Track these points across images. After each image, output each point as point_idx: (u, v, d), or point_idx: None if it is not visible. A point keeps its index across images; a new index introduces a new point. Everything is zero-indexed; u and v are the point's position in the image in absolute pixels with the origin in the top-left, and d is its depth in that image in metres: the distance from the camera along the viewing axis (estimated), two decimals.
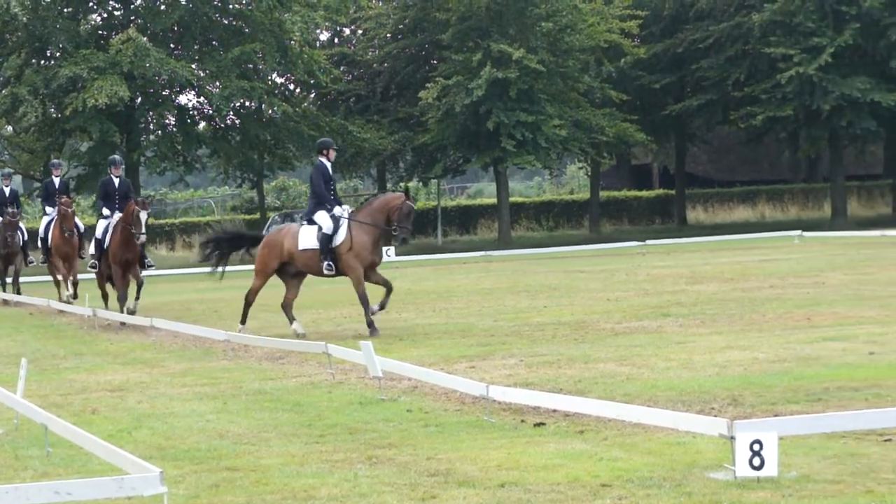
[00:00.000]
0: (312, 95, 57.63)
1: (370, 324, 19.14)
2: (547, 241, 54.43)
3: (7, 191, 31.23)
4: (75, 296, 26.30)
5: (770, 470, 8.17)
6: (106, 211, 24.15)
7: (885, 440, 9.41)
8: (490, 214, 58.99)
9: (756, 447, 8.15)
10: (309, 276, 20.62)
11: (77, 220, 27.50)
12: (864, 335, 15.54)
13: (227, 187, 71.48)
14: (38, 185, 55.09)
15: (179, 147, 50.68)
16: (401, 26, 55.01)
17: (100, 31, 50.10)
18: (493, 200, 59.57)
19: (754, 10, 52.82)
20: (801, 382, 12.16)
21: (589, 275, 30.72)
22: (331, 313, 23.29)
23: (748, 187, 69.56)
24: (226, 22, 51.09)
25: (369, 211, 19.63)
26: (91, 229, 28.14)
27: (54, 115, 49.14)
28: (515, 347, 16.41)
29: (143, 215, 22.87)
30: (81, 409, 12.99)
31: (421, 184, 65.00)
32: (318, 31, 53.87)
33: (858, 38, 51.06)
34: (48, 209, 28.98)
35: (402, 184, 62.30)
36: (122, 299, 23.54)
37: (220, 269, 21.50)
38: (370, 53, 56.85)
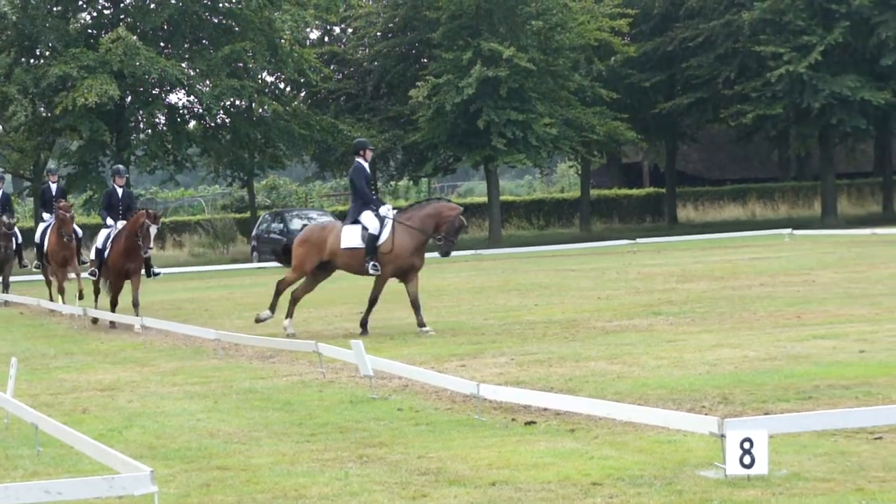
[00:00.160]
0: (303, 94, 57.60)
1: (364, 324, 19.12)
2: (537, 239, 54.46)
3: None
4: (81, 296, 25.97)
5: (760, 468, 8.18)
6: (109, 221, 23.68)
7: (875, 438, 9.42)
8: (481, 213, 59.03)
9: (746, 445, 8.15)
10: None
11: (75, 225, 27.12)
12: (855, 333, 15.56)
13: (217, 186, 71.43)
14: (27, 184, 55.05)
15: (170, 146, 50.64)
16: (391, 25, 55.01)
17: (89, 30, 50.06)
18: (484, 199, 59.58)
19: (744, 9, 52.87)
20: (792, 381, 12.17)
21: (579, 273, 30.74)
22: (322, 312, 23.27)
23: (738, 185, 69.63)
24: (216, 21, 51.06)
25: (420, 216, 19.33)
26: (85, 228, 27.86)
27: (44, 114, 49.11)
28: (506, 346, 16.41)
29: (153, 230, 22.36)
30: (72, 408, 12.97)
31: (411, 182, 65.00)
32: (308, 29, 53.87)
33: (848, 36, 51.14)
34: (45, 215, 28.63)
35: (392, 182, 62.33)
36: (112, 305, 23.38)
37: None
38: (360, 52, 56.84)
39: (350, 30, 57.85)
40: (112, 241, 23.21)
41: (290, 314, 19.60)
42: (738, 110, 53.35)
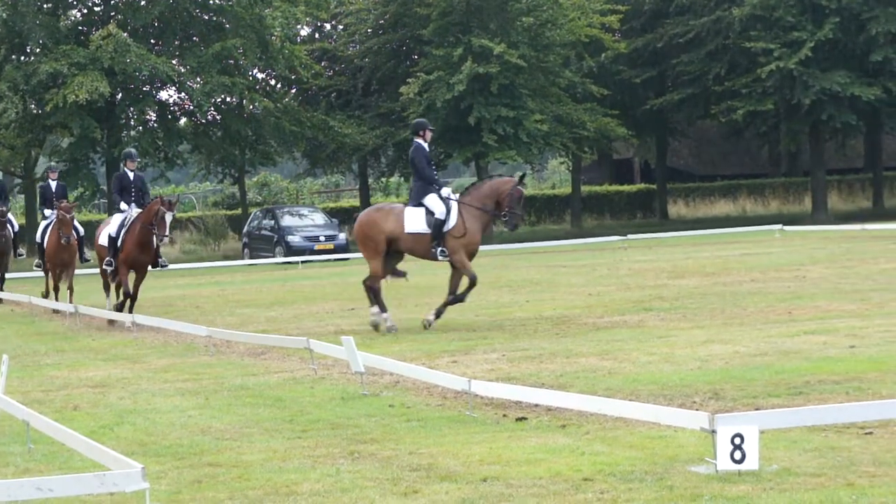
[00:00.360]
0: (293, 91, 57.58)
1: (447, 305, 18.66)
2: (528, 235, 54.45)
3: None
4: (71, 302, 25.50)
5: (751, 463, 8.19)
6: (123, 205, 22.92)
7: (866, 433, 9.44)
8: None
9: (737, 441, 8.16)
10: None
11: (76, 222, 26.65)
12: (845, 329, 15.58)
13: (208, 183, 71.43)
14: (18, 181, 55.00)
15: (160, 143, 50.60)
16: (381, 21, 55.02)
17: (80, 27, 50.03)
18: None
19: (734, 5, 52.94)
20: (782, 376, 12.19)
21: (570, 269, 30.76)
22: (312, 308, 23.27)
23: (729, 181, 69.73)
24: (206, 17, 51.04)
25: (478, 195, 18.98)
26: (85, 225, 27.30)
27: (34, 111, 49.06)
28: (497, 342, 16.41)
29: (169, 217, 21.68)
30: (63, 405, 12.96)
31: (402, 179, 64.98)
32: (298, 26, 53.84)
33: (838, 32, 51.21)
34: (46, 212, 28.05)
35: (383, 179, 62.21)
36: (126, 295, 22.77)
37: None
38: (351, 49, 56.84)
39: (341, 26, 57.85)
40: (126, 232, 22.44)
41: (382, 308, 18.82)
42: (728, 106, 53.42)
